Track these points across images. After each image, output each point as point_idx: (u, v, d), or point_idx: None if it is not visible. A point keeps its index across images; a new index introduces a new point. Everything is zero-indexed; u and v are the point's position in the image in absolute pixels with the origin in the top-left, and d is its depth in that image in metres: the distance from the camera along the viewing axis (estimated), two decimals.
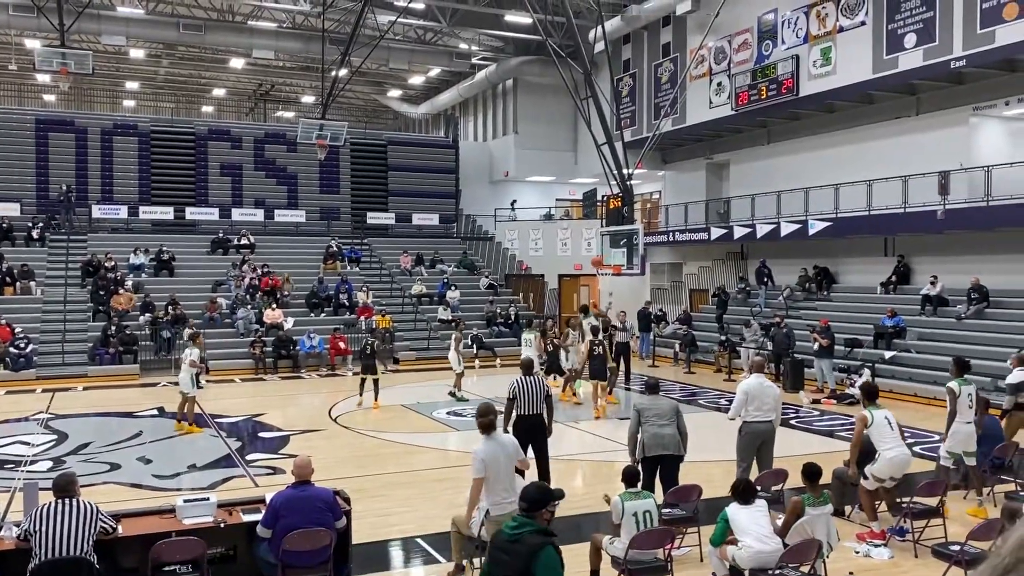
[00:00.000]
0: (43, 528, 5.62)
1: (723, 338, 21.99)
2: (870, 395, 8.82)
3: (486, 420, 6.80)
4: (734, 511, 6.60)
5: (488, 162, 35.19)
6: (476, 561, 7.09)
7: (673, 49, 27.10)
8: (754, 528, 6.50)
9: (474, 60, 33.51)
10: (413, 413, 15.97)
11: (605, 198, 26.67)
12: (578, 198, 35.15)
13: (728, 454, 9.42)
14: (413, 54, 32.32)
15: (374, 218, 31.15)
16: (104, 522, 5.94)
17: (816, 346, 17.56)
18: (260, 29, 30.06)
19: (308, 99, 43.14)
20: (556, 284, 31.89)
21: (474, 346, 23.57)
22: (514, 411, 9.38)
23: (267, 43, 30.07)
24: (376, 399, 16.29)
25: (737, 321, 22.58)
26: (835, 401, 16.69)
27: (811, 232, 21.44)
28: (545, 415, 9.49)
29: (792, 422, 14.99)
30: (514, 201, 33.31)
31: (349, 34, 24.62)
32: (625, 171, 23.69)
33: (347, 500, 7.15)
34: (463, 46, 32.42)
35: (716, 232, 24.93)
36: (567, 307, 32.33)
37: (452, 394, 17.32)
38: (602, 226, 26.66)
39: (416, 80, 38.17)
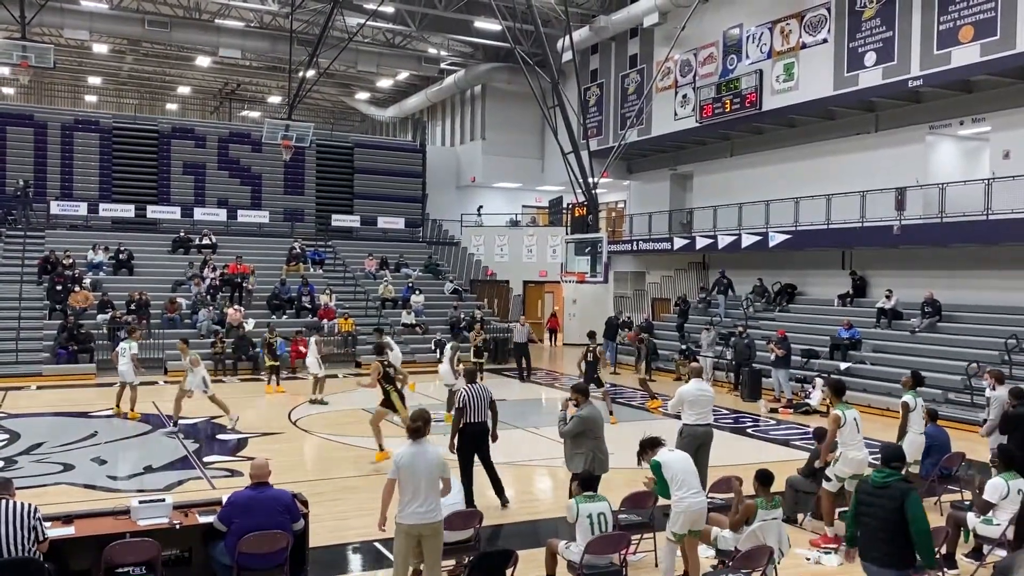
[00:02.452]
0: None
1: (683, 347, 22.25)
2: (838, 391, 9.09)
3: (415, 425, 6.63)
4: (665, 457, 7.08)
5: (455, 167, 35.25)
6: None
7: (640, 60, 27.42)
8: (689, 477, 7.01)
9: (443, 65, 33.58)
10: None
11: (571, 206, 26.92)
12: (544, 205, 35.37)
13: None
14: (382, 57, 32.29)
15: (339, 220, 30.98)
16: (38, 524, 5.77)
17: (773, 356, 17.86)
18: (227, 28, 29.81)
19: (274, 99, 42.82)
20: (521, 290, 32.01)
21: (437, 351, 23.53)
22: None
23: (234, 42, 29.84)
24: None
25: (698, 330, 22.86)
26: (792, 411, 16.99)
27: (771, 244, 21.81)
28: (489, 422, 9.59)
29: (749, 430, 15.23)
30: (480, 207, 33.38)
31: (317, 35, 24.56)
32: (591, 180, 23.94)
33: (305, 503, 7.13)
34: (432, 51, 32.47)
35: (679, 242, 25.24)
36: (531, 313, 32.48)
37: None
38: (567, 233, 26.89)
39: (384, 83, 38.11)
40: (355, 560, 8.16)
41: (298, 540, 6.64)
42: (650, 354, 22.72)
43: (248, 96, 44.42)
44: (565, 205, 30.12)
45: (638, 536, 7.82)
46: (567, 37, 24.88)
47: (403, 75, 36.34)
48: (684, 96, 25.32)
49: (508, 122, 33.41)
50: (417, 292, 26.76)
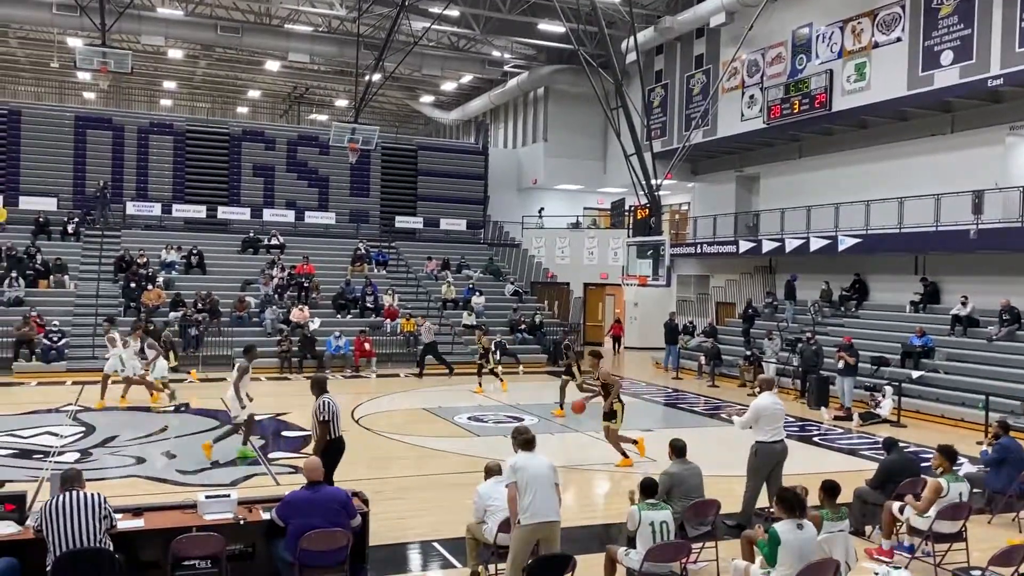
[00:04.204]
0: (55, 522, 5.72)
1: (749, 352, 21.83)
2: (951, 457, 8.34)
3: (528, 436, 6.93)
4: (786, 534, 6.16)
5: (517, 169, 35.31)
6: (491, 568, 7.12)
7: (706, 61, 27.03)
8: (801, 557, 6.13)
9: (506, 68, 33.67)
10: (434, 417, 16.04)
11: (633, 208, 26.69)
12: (606, 207, 35.16)
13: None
14: (446, 60, 32.54)
15: (402, 222, 31.37)
16: (109, 514, 6.00)
17: (842, 364, 17.37)
18: (296, 32, 30.44)
19: (341, 103, 43.54)
20: (581, 293, 31.88)
21: (497, 352, 23.61)
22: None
23: (303, 46, 30.42)
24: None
25: (764, 336, 22.40)
26: (860, 420, 16.46)
27: (841, 248, 21.24)
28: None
29: (815, 439, 14.85)
30: (542, 209, 33.37)
31: (383, 39, 24.86)
32: (654, 182, 23.67)
33: (365, 501, 7.22)
34: (496, 53, 32.57)
35: (744, 245, 24.79)
36: (592, 316, 32.34)
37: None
38: (629, 236, 26.66)
39: (448, 86, 38.40)
40: (414, 559, 8.20)
41: (357, 538, 6.71)
42: (713, 359, 22.40)
43: (316, 100, 45.27)
44: (627, 207, 29.87)
45: (699, 545, 7.69)
46: (631, 38, 24.67)
47: (467, 78, 36.56)
48: (751, 97, 24.86)
49: (570, 124, 33.32)
50: (478, 293, 26.89)
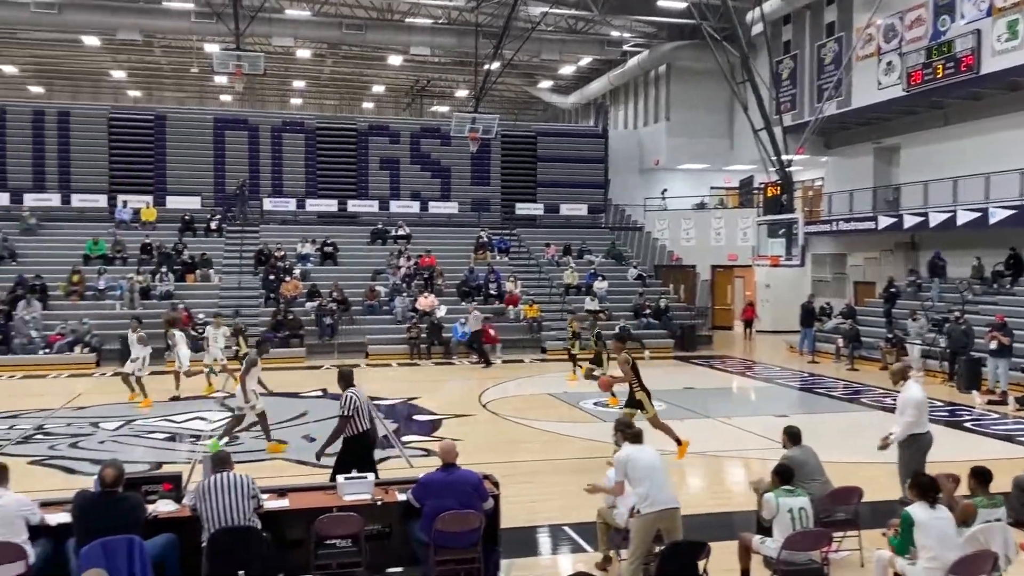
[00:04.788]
0: (208, 501, 6.07)
1: (890, 335, 20.68)
2: None
3: (636, 431, 7.08)
4: (920, 514, 5.92)
5: (638, 151, 34.75)
6: (622, 552, 7.05)
7: (838, 28, 25.64)
8: (941, 539, 5.83)
9: (625, 47, 33.15)
10: (559, 402, 16.06)
11: (763, 186, 25.77)
12: (733, 186, 34.09)
13: (890, 456, 8.83)
14: (564, 44, 32.36)
15: (523, 209, 31.54)
16: (257, 494, 6.33)
17: (994, 344, 16.16)
18: (417, 26, 31.02)
19: (461, 93, 44.13)
20: (709, 275, 31.10)
21: (587, 338, 23.43)
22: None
23: (424, 39, 30.98)
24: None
25: (907, 316, 21.17)
26: (1018, 405, 15.29)
27: (992, 221, 19.76)
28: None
29: (966, 424, 13.92)
30: (665, 190, 32.75)
31: (502, 27, 24.97)
32: (784, 157, 22.75)
33: (496, 484, 7.28)
34: (615, 34, 32.12)
35: (884, 221, 23.47)
36: (720, 299, 31.52)
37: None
38: (759, 215, 25.78)
39: (566, 70, 38.21)
40: (545, 543, 8.24)
41: (489, 520, 6.78)
42: (851, 341, 21.36)
43: (437, 91, 46.06)
44: (757, 185, 28.84)
45: (841, 534, 7.33)
46: (757, 9, 23.74)
47: (585, 60, 36.25)
48: (888, 63, 23.41)
49: (693, 101, 32.46)
50: (600, 278, 26.70)
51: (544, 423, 13.96)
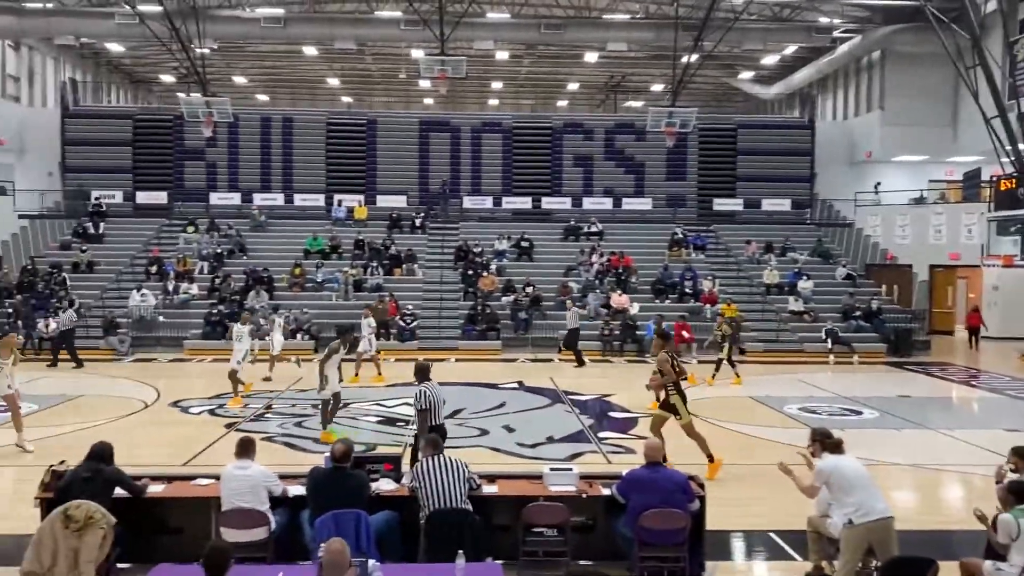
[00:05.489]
0: (426, 481, 6.36)
1: None
2: None
3: (837, 440, 6.77)
4: None
5: (848, 142, 32.72)
6: (835, 563, 6.68)
7: None
8: None
9: (835, 33, 31.28)
10: (762, 406, 15.45)
11: (994, 179, 23.47)
12: (957, 179, 31.22)
13: None
14: (768, 32, 31.06)
15: (721, 204, 30.69)
16: (472, 479, 6.58)
17: None
18: (615, 22, 30.96)
19: (656, 87, 43.56)
20: (927, 275, 28.73)
21: (828, 340, 22.20)
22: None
23: (620, 35, 30.87)
24: None
25: None
26: None
27: None
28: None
29: None
30: (878, 184, 30.63)
31: (702, 19, 24.38)
32: (1021, 147, 20.59)
33: (701, 486, 7.14)
34: (823, 19, 30.42)
35: None
36: (939, 301, 29.06)
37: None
38: (989, 211, 23.52)
39: (769, 60, 36.67)
40: (752, 548, 7.99)
41: (695, 521, 6.68)
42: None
43: (632, 87, 45.75)
44: (989, 178, 26.24)
45: None
46: None
47: (790, 49, 34.61)
48: None
49: (912, 88, 30.06)
50: (805, 277, 25.44)
51: (744, 426, 13.50)
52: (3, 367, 11.19)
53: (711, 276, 25.50)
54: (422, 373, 8.85)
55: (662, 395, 10.45)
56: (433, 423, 8.52)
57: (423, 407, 8.45)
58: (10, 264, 25.70)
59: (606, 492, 6.95)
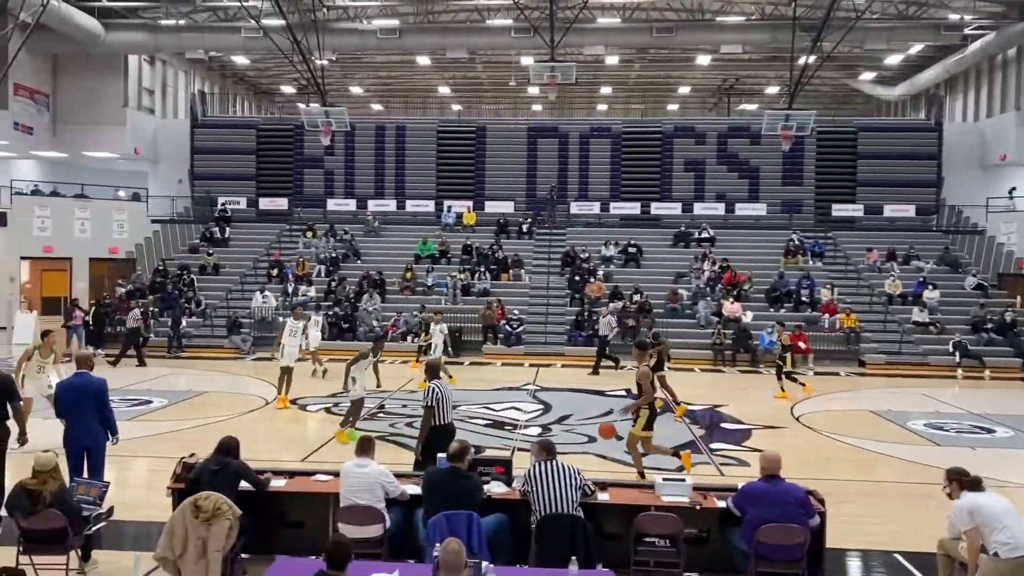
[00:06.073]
0: (538, 486, 6.36)
1: None
2: None
3: (975, 478, 6.36)
4: None
5: (979, 144, 30.89)
6: None
7: None
8: None
9: (967, 31, 29.58)
10: (882, 420, 14.74)
11: None
12: None
13: None
14: (892, 31, 29.64)
15: (840, 210, 29.50)
16: (587, 485, 6.53)
17: None
18: (728, 24, 30.28)
19: (772, 90, 42.32)
20: None
21: (956, 353, 21.01)
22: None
23: (734, 37, 30.10)
24: None
25: None
26: None
27: None
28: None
29: None
30: (1013, 188, 28.76)
31: (821, 19, 23.54)
32: None
33: (821, 501, 6.87)
34: (953, 16, 28.83)
35: None
36: None
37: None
38: None
39: (892, 60, 35.00)
40: (873, 568, 7.63)
41: (814, 538, 6.45)
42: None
43: (745, 89, 44.63)
44: None
45: None
46: None
47: (916, 48, 32.95)
48: None
49: None
50: (931, 287, 24.16)
51: (865, 441, 12.91)
52: (44, 366, 11.77)
53: (829, 284, 24.56)
54: (432, 371, 9.11)
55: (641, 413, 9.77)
56: (440, 422, 8.59)
57: (430, 404, 8.58)
58: (144, 266, 27.43)
59: (721, 504, 6.78)
